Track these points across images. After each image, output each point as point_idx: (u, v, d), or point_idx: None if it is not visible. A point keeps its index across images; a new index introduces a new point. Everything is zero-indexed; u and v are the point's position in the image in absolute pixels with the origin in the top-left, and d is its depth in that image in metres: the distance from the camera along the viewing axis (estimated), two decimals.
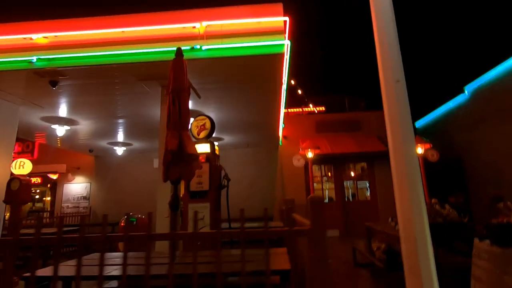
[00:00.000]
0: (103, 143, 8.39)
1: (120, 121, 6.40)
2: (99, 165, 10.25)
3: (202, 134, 4.33)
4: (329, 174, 10.38)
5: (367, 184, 10.26)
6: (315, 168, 10.23)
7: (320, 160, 8.97)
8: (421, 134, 11.44)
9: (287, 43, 3.52)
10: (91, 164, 10.36)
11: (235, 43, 3.64)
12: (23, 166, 4.56)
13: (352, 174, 10.47)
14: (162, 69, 4.05)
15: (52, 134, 6.93)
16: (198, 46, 3.71)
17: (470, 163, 8.65)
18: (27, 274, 2.18)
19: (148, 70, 4.03)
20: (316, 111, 12.73)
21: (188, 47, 3.66)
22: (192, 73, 4.11)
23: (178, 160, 2.40)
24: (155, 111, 5.77)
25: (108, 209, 9.80)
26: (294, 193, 9.59)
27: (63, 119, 5.92)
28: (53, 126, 6.04)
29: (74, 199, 10.10)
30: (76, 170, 10.26)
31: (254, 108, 5.81)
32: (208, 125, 4.34)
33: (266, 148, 9.98)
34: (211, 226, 3.91)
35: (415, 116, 11.73)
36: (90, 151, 9.31)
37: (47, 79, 4.06)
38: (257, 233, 1.50)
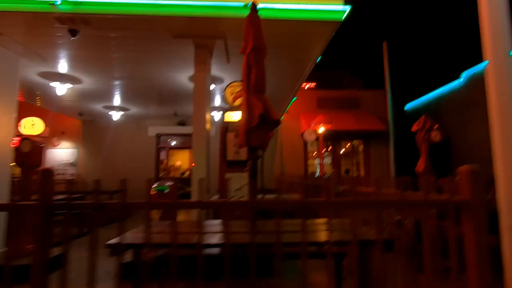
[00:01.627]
0: (98, 107, 7.73)
1: (132, 82, 5.88)
2: (88, 130, 9.53)
3: (238, 102, 4.13)
4: (326, 150, 10.65)
5: (361, 161, 10.73)
6: (313, 143, 10.41)
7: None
8: (409, 117, 11.99)
9: (347, 9, 3.33)
10: (77, 128, 9.60)
11: (292, 3, 3.37)
12: (33, 126, 4.05)
13: (346, 150, 10.84)
14: (202, 27, 3.70)
15: (47, 93, 6.23)
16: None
17: (458, 145, 9.31)
18: (112, 242, 2.02)
19: (187, 26, 3.65)
20: (312, 87, 12.70)
21: (241, 4, 3.33)
22: (231, 33, 3.81)
23: (262, 125, 2.25)
24: (179, 74, 5.37)
25: (99, 177, 9.32)
26: (294, 167, 9.77)
27: (65, 76, 5.29)
28: (52, 84, 5.40)
29: (59, 166, 9.41)
30: (60, 134, 9.46)
31: (278, 78, 5.60)
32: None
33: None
34: (250, 197, 3.86)
35: (405, 99, 12.19)
36: (80, 114, 8.57)
37: (67, 27, 3.53)
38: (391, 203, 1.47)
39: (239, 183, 3.84)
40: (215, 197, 4.37)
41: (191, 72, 5.31)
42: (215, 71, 5.10)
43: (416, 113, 11.62)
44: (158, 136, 9.79)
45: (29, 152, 3.89)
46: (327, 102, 10.24)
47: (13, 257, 3.62)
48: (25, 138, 3.95)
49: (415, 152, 10.58)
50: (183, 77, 5.54)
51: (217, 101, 7.43)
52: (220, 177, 3.88)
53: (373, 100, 10.51)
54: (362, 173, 10.28)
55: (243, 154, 3.92)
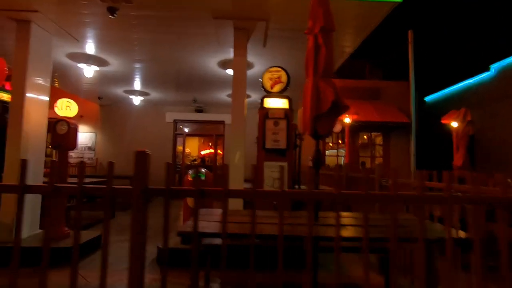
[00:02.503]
0: (119, 91, 7.64)
1: (158, 66, 5.74)
2: (106, 114, 9.47)
3: (277, 88, 3.98)
4: (340, 141, 10.50)
5: (377, 153, 10.56)
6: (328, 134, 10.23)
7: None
8: (429, 109, 11.70)
9: None
10: (95, 113, 9.54)
11: None
12: (69, 108, 3.97)
13: (362, 142, 10.66)
14: (246, 7, 3.51)
15: (67, 75, 6.13)
16: None
17: (483, 139, 9.07)
18: (185, 230, 1.94)
19: (230, 6, 3.47)
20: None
21: None
22: (276, 15, 3.62)
23: (332, 111, 2.12)
24: (208, 59, 5.22)
25: (117, 162, 9.32)
26: (308, 154, 9.65)
27: (92, 57, 5.17)
28: (80, 65, 5.28)
29: (77, 149, 9.41)
30: (78, 118, 9.41)
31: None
32: (284, 78, 3.97)
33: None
34: (289, 187, 3.77)
35: (428, 91, 11.85)
36: (99, 98, 8.49)
37: (107, 4, 3.38)
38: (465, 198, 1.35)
39: (278, 172, 3.73)
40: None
41: (221, 57, 5.16)
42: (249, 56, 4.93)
43: (437, 105, 11.32)
44: (175, 122, 9.70)
45: (65, 134, 3.82)
46: (347, 92, 9.97)
47: (51, 240, 3.62)
48: (60, 120, 3.88)
49: (436, 145, 10.38)
50: (212, 62, 5.39)
51: None
52: (258, 166, 3.78)
53: (395, 91, 10.23)
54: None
55: (281, 142, 3.80)
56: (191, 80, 6.60)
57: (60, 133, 3.81)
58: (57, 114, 4.09)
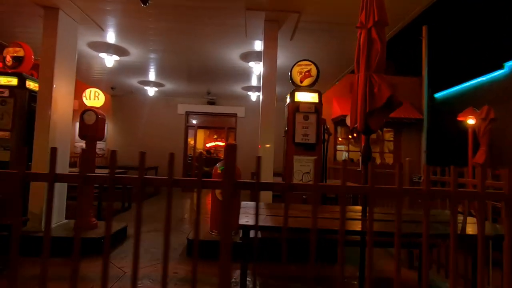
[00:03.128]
0: (133, 81, 7.57)
1: (178, 57, 5.66)
2: (117, 105, 9.41)
3: (306, 82, 3.94)
4: (351, 136, 10.48)
5: (386, 149, 10.56)
6: (339, 129, 10.22)
7: (343, 121, 8.89)
8: (439, 106, 11.65)
9: None
10: (107, 103, 9.47)
11: None
12: (97, 97, 3.93)
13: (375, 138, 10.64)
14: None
15: (81, 63, 6.05)
16: None
17: (495, 138, 9.05)
18: (245, 223, 1.94)
19: None
20: None
21: None
22: (311, 7, 3.56)
23: (385, 107, 2.10)
24: (231, 51, 5.16)
25: (128, 152, 9.31)
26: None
27: (113, 46, 5.10)
28: (101, 55, 5.22)
29: None
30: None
31: (332, 60, 5.36)
32: (314, 72, 3.92)
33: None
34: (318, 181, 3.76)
35: (441, 88, 11.76)
36: (112, 88, 8.42)
37: None
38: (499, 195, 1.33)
39: (307, 166, 3.73)
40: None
41: (244, 49, 5.09)
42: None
43: (447, 102, 11.27)
44: (187, 114, 9.65)
45: (93, 124, 3.80)
46: None
47: (81, 229, 3.63)
48: (88, 110, 3.85)
49: (447, 142, 10.37)
50: (234, 54, 5.32)
51: (254, 80, 7.20)
52: (287, 160, 3.77)
53: (407, 87, 10.18)
54: (389, 161, 10.14)
55: (311, 137, 3.78)
56: (209, 71, 6.54)
57: (88, 123, 3.78)
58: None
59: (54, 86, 3.72)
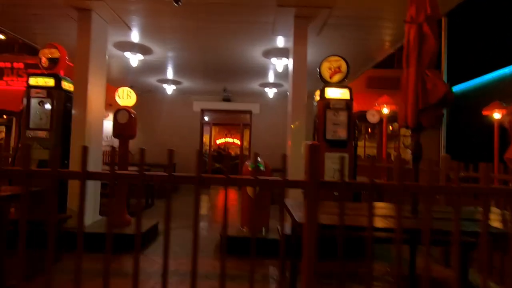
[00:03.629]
0: (152, 80, 7.63)
1: (200, 54, 5.69)
2: (135, 104, 9.49)
3: (336, 78, 3.92)
4: (368, 131, 10.39)
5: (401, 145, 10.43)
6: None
7: (359, 116, 8.80)
8: (457, 99, 11.42)
9: None
10: None
11: None
12: (130, 96, 4.00)
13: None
14: None
15: (112, 64, 6.11)
16: None
17: None
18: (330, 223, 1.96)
19: None
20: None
21: None
22: (344, 2, 3.52)
23: (439, 103, 2.08)
24: (254, 47, 5.15)
25: (150, 151, 9.43)
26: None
27: (137, 45, 5.15)
28: (126, 54, 5.27)
29: (107, 138, 9.52)
30: (108, 106, 9.48)
31: (356, 56, 5.32)
32: (344, 67, 3.90)
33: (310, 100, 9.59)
34: (349, 177, 3.76)
35: (460, 81, 11.52)
36: (131, 87, 8.49)
37: None
38: None
39: (338, 163, 3.72)
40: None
41: (266, 46, 5.08)
42: (289, 43, 4.83)
43: (466, 96, 11.05)
44: (202, 111, 9.70)
45: (126, 123, 3.86)
46: (377, 81, 9.79)
47: (115, 226, 3.72)
48: (121, 109, 3.91)
49: (467, 136, 10.19)
50: (256, 51, 5.32)
51: (271, 76, 7.19)
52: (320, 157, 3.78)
53: None
54: (405, 157, 10.03)
55: (341, 133, 3.78)
56: (228, 69, 6.56)
57: (121, 122, 3.85)
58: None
59: (89, 86, 3.78)
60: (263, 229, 3.74)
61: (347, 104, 3.79)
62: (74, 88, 3.79)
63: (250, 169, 3.83)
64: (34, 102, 3.72)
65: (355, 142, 3.98)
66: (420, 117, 2.12)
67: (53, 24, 4.44)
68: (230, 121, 10.34)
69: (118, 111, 3.86)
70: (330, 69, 3.94)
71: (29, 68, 9.40)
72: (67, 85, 3.89)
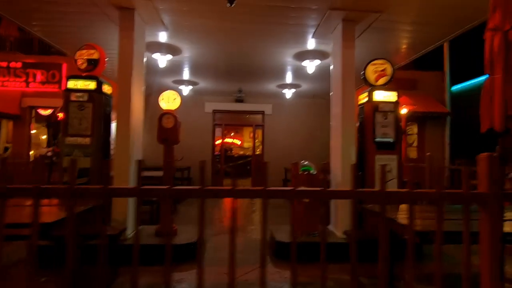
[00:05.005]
0: (168, 81, 7.43)
1: (227, 55, 5.58)
2: (147, 105, 9.22)
3: (381, 81, 3.93)
4: None
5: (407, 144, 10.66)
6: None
7: None
8: (456, 99, 11.78)
9: None
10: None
11: None
12: (175, 100, 3.85)
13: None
14: None
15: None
16: None
17: None
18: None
19: None
20: None
21: None
22: (395, 7, 3.53)
23: None
24: (287, 50, 5.11)
25: (156, 153, 9.20)
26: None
27: (165, 46, 4.98)
28: (154, 56, 5.09)
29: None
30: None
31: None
32: (389, 70, 3.92)
33: (327, 99, 9.62)
34: (399, 180, 3.78)
35: (452, 81, 11.86)
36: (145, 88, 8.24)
37: None
38: None
39: (387, 165, 3.74)
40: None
41: (299, 48, 5.04)
42: (324, 45, 4.81)
43: (464, 95, 11.37)
44: (214, 112, 9.55)
45: (172, 128, 3.72)
46: (395, 82, 9.93)
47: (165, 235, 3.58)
48: (166, 113, 3.77)
49: (470, 134, 10.50)
50: (288, 54, 5.28)
51: (289, 77, 7.16)
52: (367, 159, 3.77)
53: (430, 81, 10.26)
54: (412, 155, 10.26)
55: (390, 135, 3.79)
56: (250, 70, 6.47)
57: (167, 127, 3.70)
58: None
59: (132, 89, 3.63)
60: (314, 233, 3.71)
61: (395, 106, 3.81)
62: (119, 91, 3.62)
63: (301, 172, 3.78)
64: (72, 106, 3.51)
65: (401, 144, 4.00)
66: (508, 122, 2.14)
67: (82, 23, 4.22)
68: (242, 122, 10.24)
69: (163, 115, 3.71)
70: (375, 72, 3.94)
71: (28, 68, 8.96)
72: (106, 88, 3.71)
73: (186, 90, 7.67)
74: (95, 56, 3.62)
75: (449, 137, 10.04)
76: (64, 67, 9.02)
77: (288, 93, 7.94)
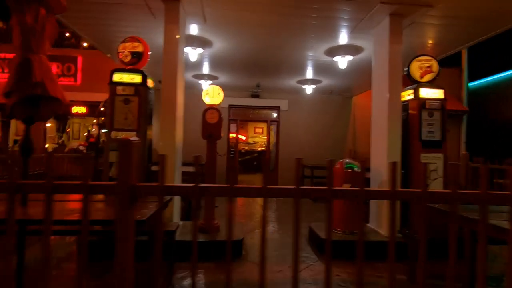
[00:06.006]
0: (188, 75, 7.31)
1: (256, 50, 5.48)
2: (159, 99, 9.12)
3: (427, 77, 3.88)
4: None
5: None
6: None
7: None
8: (473, 96, 11.73)
9: None
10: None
11: None
12: (219, 94, 3.78)
13: None
14: None
15: None
16: None
17: None
18: None
19: None
20: None
21: None
22: (444, 1, 3.46)
23: None
24: (319, 45, 5.04)
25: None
26: (365, 144, 9.68)
27: (197, 39, 4.87)
28: (186, 49, 4.98)
29: None
30: None
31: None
32: (435, 67, 3.87)
33: (342, 96, 9.58)
34: (444, 179, 3.76)
35: (470, 78, 11.82)
36: (160, 82, 8.12)
37: None
38: None
39: (433, 164, 3.71)
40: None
41: (332, 44, 4.97)
42: (359, 40, 4.75)
43: (481, 92, 11.36)
44: (230, 107, 9.46)
45: (216, 123, 3.66)
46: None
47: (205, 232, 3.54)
48: (210, 108, 3.70)
49: (488, 134, 10.53)
50: (320, 49, 5.20)
51: (309, 73, 7.08)
52: (412, 158, 3.74)
53: (447, 78, 10.22)
54: None
55: (436, 134, 3.75)
56: (275, 65, 6.39)
57: (211, 122, 3.64)
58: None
59: (178, 83, 3.55)
60: (355, 232, 3.68)
61: (442, 104, 3.77)
62: (163, 85, 3.55)
63: (347, 170, 3.74)
64: (118, 100, 3.43)
65: None
66: None
67: (119, 15, 4.11)
68: (257, 117, 10.16)
69: (207, 110, 3.64)
70: (421, 68, 3.89)
71: None
72: (149, 82, 3.63)
73: (205, 85, 7.56)
74: (140, 49, 3.53)
75: (465, 135, 10.06)
76: (79, 60, 8.88)
77: (308, 88, 7.87)
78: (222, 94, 3.84)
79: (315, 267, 3.16)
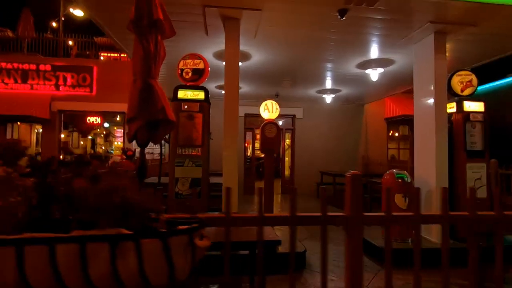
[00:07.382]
0: (211, 86, 7.39)
1: (287, 63, 5.62)
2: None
3: (467, 91, 4.12)
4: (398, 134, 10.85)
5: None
6: (391, 128, 10.56)
7: (399, 120, 9.22)
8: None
9: None
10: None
11: None
12: (277, 109, 3.88)
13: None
14: (478, 13, 3.55)
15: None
16: None
17: None
18: None
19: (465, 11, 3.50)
20: None
21: None
22: (487, 21, 3.71)
23: None
24: (353, 58, 5.21)
25: None
26: (377, 150, 9.96)
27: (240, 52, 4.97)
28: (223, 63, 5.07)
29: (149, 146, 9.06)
30: None
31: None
32: (475, 81, 4.12)
33: (355, 104, 9.85)
34: (488, 187, 3.97)
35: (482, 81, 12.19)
36: None
37: (339, 6, 3.30)
38: None
39: (477, 173, 3.93)
40: None
41: (364, 58, 5.18)
42: (392, 54, 4.98)
43: (492, 97, 11.73)
44: (246, 116, 9.56)
45: (275, 137, 3.76)
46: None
47: None
48: (269, 122, 3.79)
49: (497, 139, 10.90)
50: (353, 63, 5.41)
51: (328, 83, 7.30)
52: (458, 168, 3.94)
53: None
54: None
55: (478, 144, 3.98)
56: (302, 76, 6.55)
57: (270, 136, 3.74)
58: None
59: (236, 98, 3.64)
60: (409, 240, 3.84)
61: (484, 116, 4.00)
62: (226, 100, 3.62)
63: (397, 180, 3.90)
64: (182, 116, 3.49)
65: None
66: None
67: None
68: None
69: (266, 124, 3.74)
70: (461, 83, 4.12)
71: (57, 70, 8.67)
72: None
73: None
74: (201, 66, 3.61)
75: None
76: (95, 70, 8.79)
77: (328, 98, 8.09)
78: (278, 108, 3.95)
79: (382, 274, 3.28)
